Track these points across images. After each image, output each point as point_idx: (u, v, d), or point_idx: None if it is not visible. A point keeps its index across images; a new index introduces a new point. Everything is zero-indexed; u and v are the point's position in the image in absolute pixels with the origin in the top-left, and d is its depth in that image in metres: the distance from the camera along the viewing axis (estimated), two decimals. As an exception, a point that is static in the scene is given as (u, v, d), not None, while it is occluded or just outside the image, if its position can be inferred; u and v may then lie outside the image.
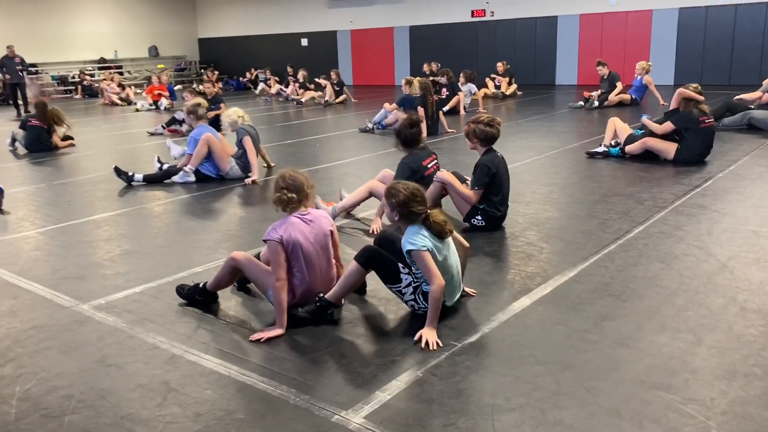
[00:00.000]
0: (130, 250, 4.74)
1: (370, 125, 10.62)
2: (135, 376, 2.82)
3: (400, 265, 3.25)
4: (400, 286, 3.26)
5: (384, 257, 3.27)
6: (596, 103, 12.65)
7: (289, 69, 19.03)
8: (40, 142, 9.59)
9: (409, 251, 3.13)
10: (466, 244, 3.59)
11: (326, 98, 15.85)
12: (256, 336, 3.12)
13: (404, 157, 5.09)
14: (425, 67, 17.21)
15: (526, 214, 5.23)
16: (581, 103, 13.10)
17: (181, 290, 3.64)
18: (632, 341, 2.99)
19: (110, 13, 23.94)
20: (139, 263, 4.40)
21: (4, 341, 3.22)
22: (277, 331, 3.14)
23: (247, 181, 6.88)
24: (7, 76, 16.38)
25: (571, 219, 5.17)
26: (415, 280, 3.24)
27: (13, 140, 9.83)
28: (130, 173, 6.94)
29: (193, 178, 6.96)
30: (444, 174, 4.84)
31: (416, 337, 3.03)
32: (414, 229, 3.18)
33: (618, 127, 7.67)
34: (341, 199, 5.34)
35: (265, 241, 3.29)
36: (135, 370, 2.88)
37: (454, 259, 3.32)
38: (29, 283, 4.04)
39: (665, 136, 7.17)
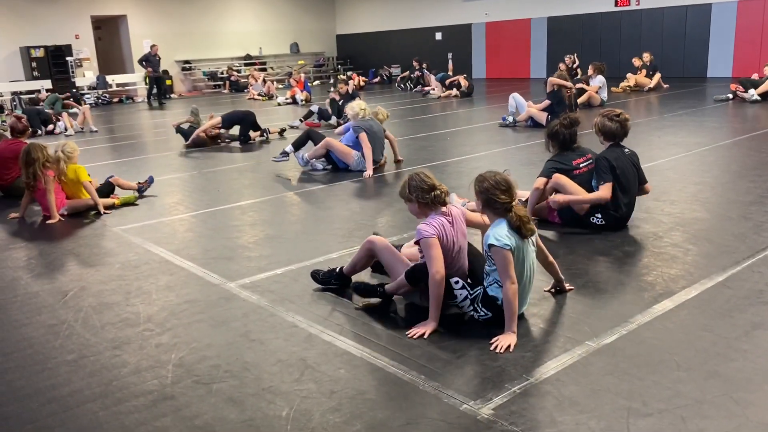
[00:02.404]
0: (272, 234, 5.03)
1: (510, 119, 10.44)
2: (276, 351, 3.00)
3: (452, 280, 3.19)
4: (456, 301, 3.22)
5: None
6: (757, 96, 11.58)
7: (415, 63, 19.28)
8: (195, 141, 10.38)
9: (490, 245, 3.02)
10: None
11: (438, 93, 16.42)
12: (412, 332, 3.09)
13: (552, 156, 4.76)
14: (567, 59, 16.63)
15: (671, 214, 4.94)
16: (729, 95, 12.13)
17: (317, 275, 3.80)
18: (790, 353, 2.75)
19: (256, 13, 25.35)
20: (280, 247, 4.66)
21: (161, 313, 3.54)
22: (432, 325, 3.11)
23: (364, 175, 6.98)
24: (149, 70, 18.37)
25: (721, 220, 4.81)
26: (471, 293, 3.18)
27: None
28: (285, 150, 7.78)
29: (303, 162, 7.51)
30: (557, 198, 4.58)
31: (492, 341, 2.94)
32: (500, 223, 3.08)
33: None
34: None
35: (417, 242, 3.24)
36: (276, 346, 3.06)
37: (529, 265, 3.14)
38: (183, 261, 4.40)
39: None
